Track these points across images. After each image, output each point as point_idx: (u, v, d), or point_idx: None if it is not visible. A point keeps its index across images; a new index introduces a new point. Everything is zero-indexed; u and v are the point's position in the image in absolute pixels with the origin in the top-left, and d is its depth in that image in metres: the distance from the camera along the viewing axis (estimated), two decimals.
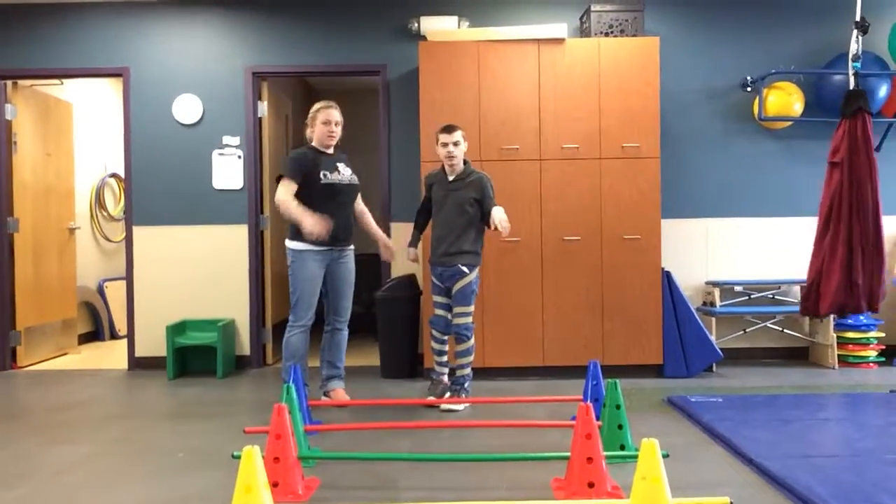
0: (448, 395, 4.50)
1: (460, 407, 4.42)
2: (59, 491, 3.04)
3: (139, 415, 4.41)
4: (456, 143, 4.49)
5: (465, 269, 4.47)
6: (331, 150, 4.53)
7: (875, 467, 3.06)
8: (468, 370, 4.55)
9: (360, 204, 4.69)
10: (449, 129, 4.52)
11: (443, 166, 4.60)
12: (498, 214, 4.33)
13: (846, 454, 3.32)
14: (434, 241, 4.59)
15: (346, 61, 5.91)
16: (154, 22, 5.93)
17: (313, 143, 4.52)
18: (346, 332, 4.64)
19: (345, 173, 4.49)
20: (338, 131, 4.49)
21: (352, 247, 4.61)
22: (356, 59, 5.91)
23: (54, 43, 5.94)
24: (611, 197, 5.30)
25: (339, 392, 4.54)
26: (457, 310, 4.51)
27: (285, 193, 4.35)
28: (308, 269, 4.39)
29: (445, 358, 4.65)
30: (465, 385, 4.55)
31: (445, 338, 4.61)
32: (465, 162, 4.59)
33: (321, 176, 4.38)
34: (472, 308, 4.52)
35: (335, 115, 4.48)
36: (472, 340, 4.51)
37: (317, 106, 4.53)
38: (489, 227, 4.47)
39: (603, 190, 5.30)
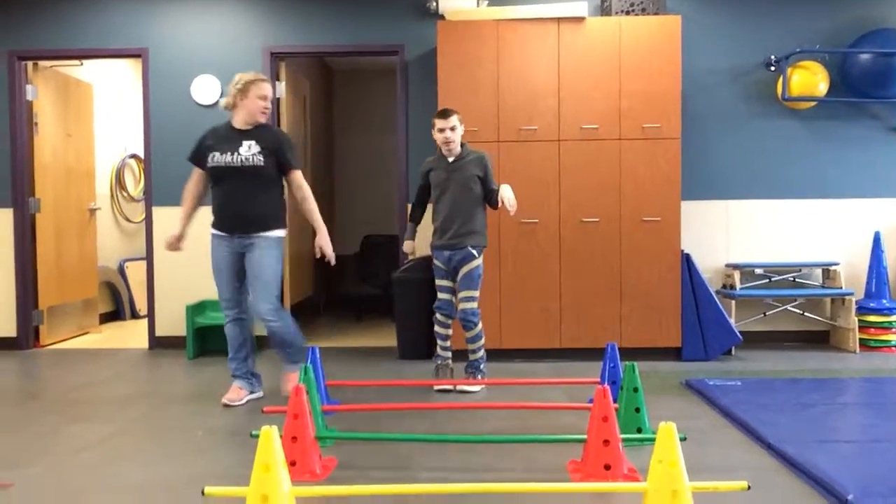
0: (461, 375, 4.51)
1: (476, 388, 4.42)
2: (79, 469, 3.08)
3: (159, 394, 4.45)
4: (452, 128, 4.44)
5: (474, 251, 4.44)
6: (253, 126, 4.09)
7: (894, 452, 3.03)
8: (482, 353, 4.55)
9: (298, 189, 4.13)
10: (444, 114, 4.48)
11: (439, 150, 4.57)
12: (506, 192, 4.34)
13: (866, 439, 3.29)
14: (439, 225, 4.52)
15: (363, 41, 5.88)
16: (173, 3, 5.92)
17: (234, 118, 4.11)
18: (250, 323, 4.26)
19: (244, 154, 4.01)
20: (269, 108, 4.15)
21: (262, 234, 4.06)
22: (374, 39, 5.87)
23: (74, 24, 5.95)
24: (630, 178, 5.25)
25: (287, 377, 4.24)
26: (463, 294, 4.45)
27: (187, 182, 4.27)
28: (213, 254, 4.17)
29: (450, 343, 4.59)
30: (481, 367, 4.55)
31: (450, 322, 4.55)
32: (461, 144, 4.53)
33: (209, 158, 4.06)
34: (478, 293, 4.47)
35: (269, 89, 4.13)
36: (480, 326, 4.48)
37: (249, 76, 4.10)
38: (493, 206, 4.47)
39: (622, 171, 5.25)
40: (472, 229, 4.46)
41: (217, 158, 4.05)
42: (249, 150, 4.02)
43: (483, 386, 4.46)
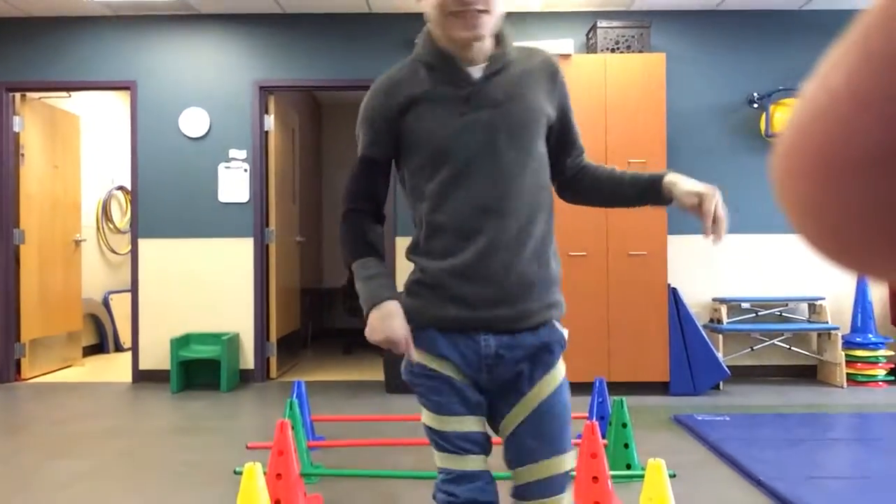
0: None
1: None
2: None
3: (142, 429, 4.38)
4: None
5: (558, 325, 1.85)
6: None
7: (884, 489, 3.02)
8: None
9: None
10: None
11: (411, 61, 1.59)
12: (691, 184, 1.75)
13: (855, 475, 3.28)
14: (455, 264, 1.60)
15: (353, 75, 5.92)
16: (162, 35, 5.95)
17: None
18: None
19: None
20: None
21: None
22: (363, 74, 5.91)
23: (62, 56, 5.97)
24: (617, 212, 5.28)
25: None
26: (547, 461, 1.68)
27: None
28: None
29: None
30: None
31: None
32: (497, 37, 1.58)
33: None
34: (573, 451, 1.70)
35: None
36: None
37: None
38: (628, 200, 1.91)
39: None
40: (549, 275, 1.75)
41: None
42: None
43: None
